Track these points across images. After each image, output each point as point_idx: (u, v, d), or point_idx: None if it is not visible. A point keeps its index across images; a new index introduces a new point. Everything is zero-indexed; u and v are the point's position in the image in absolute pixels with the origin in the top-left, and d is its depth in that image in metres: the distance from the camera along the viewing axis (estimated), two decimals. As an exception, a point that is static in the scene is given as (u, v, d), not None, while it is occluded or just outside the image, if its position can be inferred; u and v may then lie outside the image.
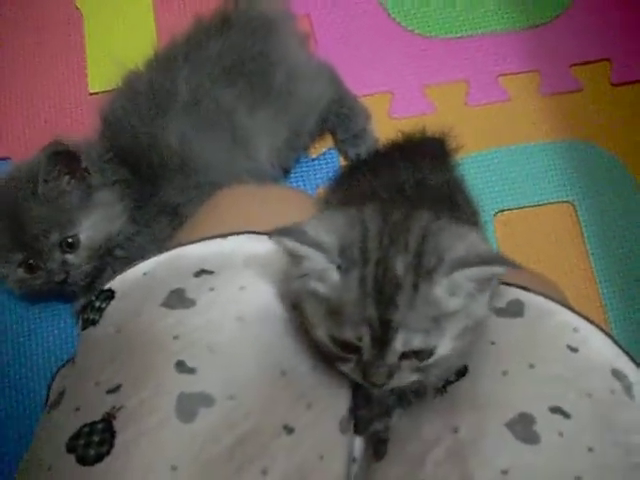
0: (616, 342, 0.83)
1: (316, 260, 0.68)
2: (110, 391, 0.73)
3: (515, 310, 0.85)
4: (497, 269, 0.68)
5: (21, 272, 1.24)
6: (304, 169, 1.50)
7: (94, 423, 0.70)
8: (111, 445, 0.68)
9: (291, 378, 0.78)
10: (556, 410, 0.74)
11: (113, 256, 1.28)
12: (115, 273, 0.88)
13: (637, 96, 1.53)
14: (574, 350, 0.81)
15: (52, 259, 1.21)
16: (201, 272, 0.84)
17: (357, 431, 0.83)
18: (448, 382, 0.80)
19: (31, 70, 1.62)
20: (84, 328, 0.85)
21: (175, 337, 0.76)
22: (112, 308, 0.84)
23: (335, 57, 1.50)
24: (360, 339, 0.68)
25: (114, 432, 0.69)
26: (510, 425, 0.73)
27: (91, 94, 1.58)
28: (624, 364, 0.82)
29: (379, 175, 1.00)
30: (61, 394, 0.78)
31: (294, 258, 0.71)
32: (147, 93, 1.29)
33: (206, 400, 0.71)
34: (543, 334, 0.83)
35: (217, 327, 0.79)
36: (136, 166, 1.28)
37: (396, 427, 0.81)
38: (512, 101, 1.53)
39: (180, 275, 0.84)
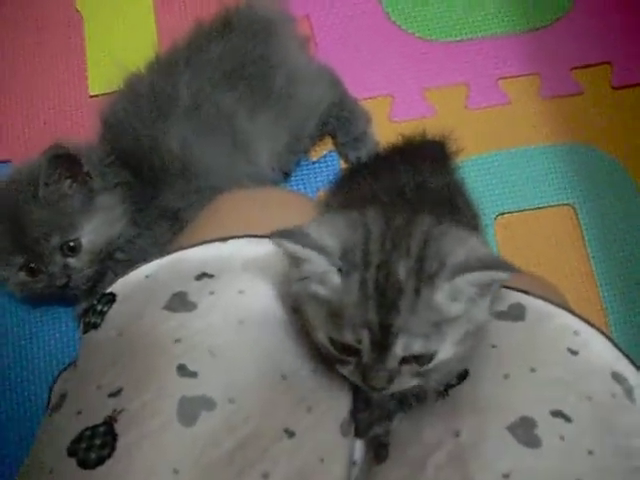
0: (616, 345, 0.83)
1: (317, 263, 0.68)
2: (112, 394, 0.72)
3: (516, 314, 0.85)
4: (499, 274, 0.68)
5: (22, 275, 1.24)
6: (304, 172, 1.51)
7: (96, 426, 0.70)
8: (113, 448, 0.68)
9: (292, 381, 0.78)
10: (557, 414, 0.74)
11: (114, 259, 1.28)
12: (116, 276, 0.88)
13: (638, 99, 1.53)
14: (574, 353, 0.81)
15: (53, 263, 1.21)
16: (202, 275, 0.84)
17: (358, 434, 0.83)
18: (449, 386, 0.79)
19: (31, 72, 1.62)
20: (86, 331, 0.85)
21: (177, 340, 0.76)
22: (114, 311, 0.84)
23: (335, 60, 1.50)
24: (360, 342, 0.68)
25: (116, 435, 0.69)
26: (511, 429, 0.73)
27: (91, 96, 1.58)
28: (624, 367, 0.82)
29: (379, 178, 1.00)
30: (62, 397, 0.78)
31: (295, 260, 0.71)
32: (148, 96, 1.29)
33: (207, 404, 0.71)
34: (544, 337, 0.83)
35: (217, 331, 0.79)
36: (137, 169, 1.29)
37: (397, 431, 0.81)
38: (512, 104, 1.53)
39: (182, 278, 0.84)
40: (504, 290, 0.86)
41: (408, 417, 0.81)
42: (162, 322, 0.79)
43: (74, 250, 1.22)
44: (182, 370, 0.73)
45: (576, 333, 0.83)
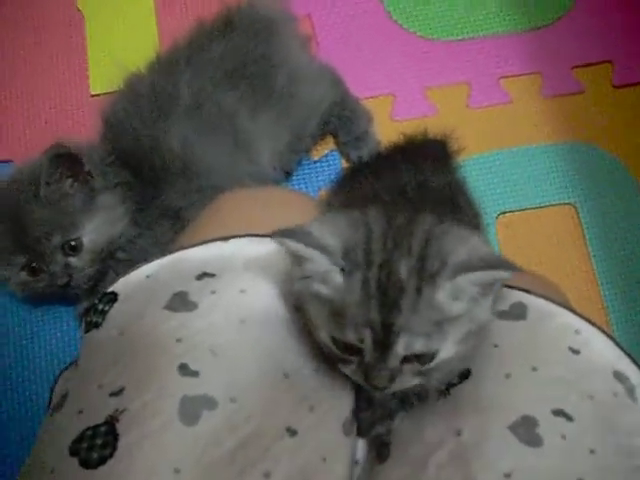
0: (618, 344, 0.83)
1: (319, 262, 0.68)
2: (113, 394, 0.72)
3: (518, 313, 0.85)
4: (501, 273, 0.68)
5: (24, 275, 1.24)
6: (306, 172, 1.51)
7: (97, 426, 0.70)
8: (114, 448, 0.68)
9: (294, 380, 0.78)
10: (559, 413, 0.74)
11: (115, 259, 1.28)
12: (118, 276, 0.88)
13: (639, 98, 1.53)
14: (576, 352, 0.81)
15: (55, 262, 1.21)
16: (203, 275, 0.84)
17: (360, 433, 0.83)
18: (451, 385, 0.79)
19: (32, 72, 1.62)
20: (87, 331, 0.85)
21: (178, 340, 0.76)
22: (115, 311, 0.84)
23: (337, 59, 1.51)
24: (362, 341, 0.68)
25: (117, 435, 0.69)
26: (513, 428, 0.73)
27: (92, 96, 1.58)
28: (626, 366, 0.82)
29: (381, 177, 1.00)
30: (64, 397, 0.78)
31: (297, 259, 0.71)
32: (149, 96, 1.29)
33: (209, 403, 0.71)
34: (545, 336, 0.83)
35: (219, 330, 0.79)
36: (138, 168, 1.29)
37: (399, 430, 0.81)
38: (514, 103, 1.54)
39: (182, 278, 0.84)
40: (505, 289, 0.86)
41: (410, 416, 0.81)
42: (163, 322, 0.79)
43: (75, 249, 1.22)
44: (183, 369, 0.73)
45: (577, 332, 0.83)
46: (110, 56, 1.60)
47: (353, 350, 0.70)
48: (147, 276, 0.85)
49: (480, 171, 1.47)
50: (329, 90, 1.43)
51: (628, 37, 1.56)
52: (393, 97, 1.54)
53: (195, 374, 0.73)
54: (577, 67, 1.55)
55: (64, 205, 1.21)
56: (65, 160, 1.20)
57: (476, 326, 0.70)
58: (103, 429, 0.69)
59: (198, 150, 1.28)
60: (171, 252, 0.87)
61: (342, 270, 0.68)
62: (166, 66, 1.32)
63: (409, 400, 0.80)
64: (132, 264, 0.88)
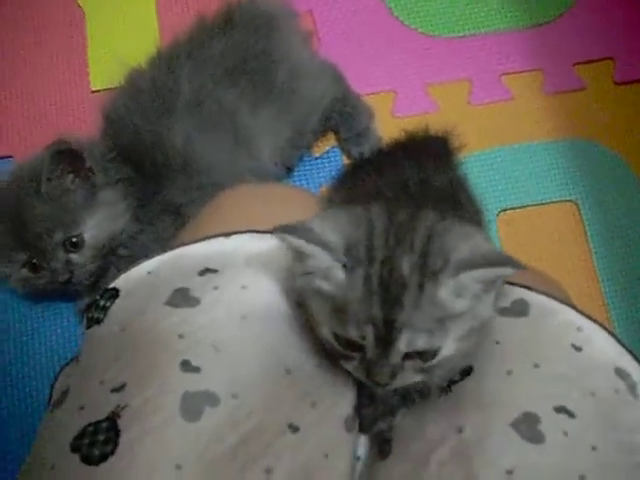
0: (619, 341, 0.83)
1: (321, 258, 0.68)
2: (115, 390, 0.72)
3: (519, 310, 0.85)
4: (504, 270, 0.68)
5: (25, 272, 1.24)
6: (307, 168, 1.50)
7: (98, 422, 0.70)
8: (116, 444, 0.68)
9: (296, 376, 0.78)
10: (560, 409, 0.74)
11: (117, 255, 1.28)
12: (119, 272, 0.88)
13: (640, 95, 1.53)
14: (578, 349, 0.81)
15: (56, 259, 1.21)
16: (205, 271, 0.84)
17: (361, 430, 0.83)
18: (452, 382, 0.80)
19: (32, 67, 1.62)
20: (89, 327, 0.85)
21: (180, 336, 0.76)
22: (117, 307, 0.84)
23: (338, 55, 1.50)
24: (364, 338, 0.68)
25: (119, 431, 0.69)
26: (515, 425, 0.73)
27: (93, 92, 1.58)
28: (627, 363, 0.82)
29: (382, 174, 1.00)
30: (65, 393, 0.78)
31: (298, 255, 0.71)
32: (150, 92, 1.29)
33: (211, 399, 0.71)
34: (547, 333, 0.83)
35: (221, 326, 0.79)
36: (139, 164, 1.28)
37: (400, 426, 0.81)
38: (515, 100, 1.53)
39: (184, 274, 0.84)
40: (507, 286, 0.86)
41: (411, 413, 0.81)
42: (164, 318, 0.79)
43: (77, 246, 1.22)
44: (185, 365, 0.73)
45: (579, 329, 0.83)
46: (110, 52, 1.60)
47: (355, 346, 0.70)
48: (148, 272, 0.86)
49: (481, 168, 1.47)
50: (330, 86, 1.42)
51: (630, 34, 1.56)
52: (394, 93, 1.54)
53: (197, 370, 0.73)
54: (578, 64, 1.55)
55: (65, 201, 1.20)
56: (66, 156, 1.19)
57: (478, 323, 0.70)
58: (105, 425, 0.69)
59: (199, 146, 1.27)
60: (172, 248, 0.88)
61: (344, 266, 0.68)
62: (167, 62, 1.31)
63: (411, 397, 0.80)
64: (133, 260, 0.88)
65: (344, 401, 0.81)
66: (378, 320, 0.67)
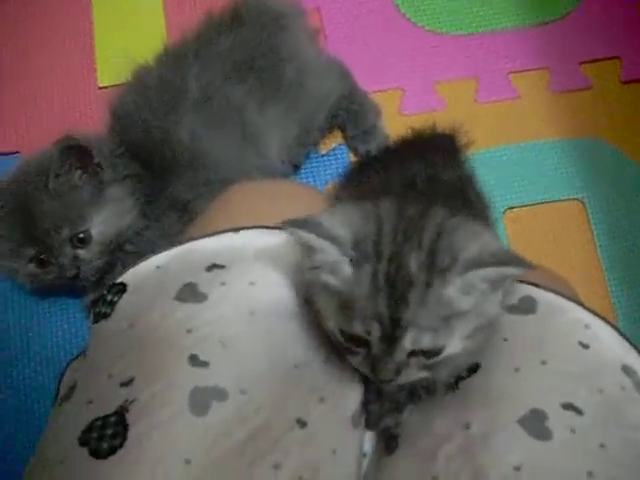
0: (627, 338, 0.83)
1: (329, 252, 0.68)
2: (124, 384, 0.73)
3: (527, 307, 0.85)
4: (512, 270, 0.68)
5: (32, 267, 1.24)
6: (314, 165, 1.50)
7: (107, 416, 0.70)
8: (124, 438, 0.68)
9: (304, 372, 0.79)
10: (568, 406, 0.74)
11: (124, 251, 1.28)
12: (125, 268, 0.88)
13: (646, 94, 1.53)
14: (585, 347, 0.81)
15: (63, 254, 1.21)
16: (213, 266, 0.84)
17: (368, 426, 0.83)
18: (460, 378, 0.80)
19: (39, 64, 1.62)
20: (96, 321, 0.85)
21: (188, 331, 0.76)
22: (124, 302, 0.84)
23: (345, 53, 1.51)
24: (369, 334, 0.68)
25: (127, 425, 0.69)
26: (522, 421, 0.73)
27: (100, 88, 1.58)
28: (634, 360, 0.82)
29: (389, 171, 1.00)
30: (72, 388, 0.78)
31: (306, 250, 0.71)
32: (157, 88, 1.29)
33: (219, 394, 0.72)
34: (555, 331, 0.83)
35: (228, 322, 0.79)
36: (147, 160, 1.29)
37: (407, 422, 0.81)
38: (522, 98, 1.53)
39: (192, 269, 0.84)
40: (515, 283, 0.85)
41: (418, 409, 0.82)
42: (173, 312, 0.79)
43: (84, 242, 1.22)
44: (194, 360, 0.73)
45: (587, 327, 0.83)
46: (118, 49, 1.60)
47: (360, 342, 0.70)
48: (157, 267, 0.86)
49: (488, 166, 1.47)
50: (337, 84, 1.43)
51: (636, 32, 1.56)
52: (402, 91, 1.54)
53: (205, 365, 0.73)
54: (585, 63, 1.55)
55: (73, 197, 1.20)
56: (75, 152, 1.19)
57: (485, 321, 0.70)
58: (113, 419, 0.69)
59: (206, 143, 1.28)
60: (181, 243, 0.88)
61: (351, 261, 0.68)
62: (174, 59, 1.32)
63: (418, 393, 0.81)
64: (140, 256, 0.88)
65: (351, 397, 0.81)
66: (384, 317, 0.67)
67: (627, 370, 0.80)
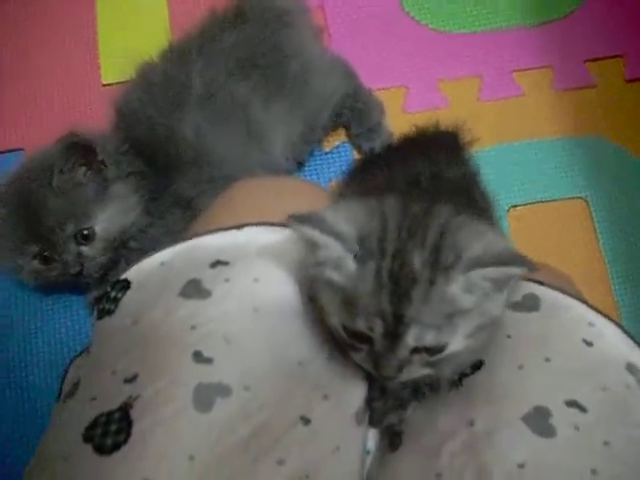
0: (631, 336, 0.83)
1: (333, 248, 0.68)
2: (127, 380, 0.73)
3: (531, 304, 0.85)
4: (515, 270, 0.67)
5: (36, 263, 1.24)
6: (318, 162, 1.51)
7: (111, 412, 0.70)
8: (128, 434, 0.68)
9: (307, 369, 0.78)
10: (572, 404, 0.74)
11: (128, 248, 1.28)
12: (130, 264, 0.88)
13: (650, 92, 1.53)
14: (589, 344, 0.81)
15: (67, 251, 1.21)
16: (216, 263, 0.84)
17: (372, 423, 0.83)
18: (463, 375, 0.80)
19: (43, 61, 1.63)
20: (99, 318, 0.85)
21: (192, 327, 0.76)
22: (128, 298, 0.84)
23: (349, 51, 1.51)
24: (372, 330, 0.68)
25: (131, 421, 0.69)
26: (526, 418, 0.73)
27: (104, 85, 1.59)
28: (638, 358, 0.82)
29: (393, 169, 1.00)
30: (76, 384, 0.78)
31: (311, 245, 0.71)
32: (161, 85, 1.29)
33: (223, 390, 0.72)
34: (559, 328, 0.83)
35: (232, 318, 0.79)
36: (151, 157, 1.29)
37: (411, 419, 0.81)
38: (525, 96, 1.53)
39: (196, 266, 0.84)
40: (519, 281, 0.85)
41: (422, 406, 0.82)
42: (177, 309, 0.79)
43: (88, 238, 1.22)
44: (198, 356, 0.73)
45: (591, 324, 0.83)
46: (121, 46, 1.60)
47: (363, 338, 0.70)
48: (161, 263, 0.85)
49: (491, 164, 1.46)
50: (341, 82, 1.43)
51: (640, 31, 1.56)
52: (405, 89, 1.54)
53: (209, 361, 0.73)
54: (589, 61, 1.55)
55: (77, 194, 1.21)
56: (79, 149, 1.20)
57: (487, 320, 0.70)
58: (117, 415, 0.70)
59: (211, 140, 1.28)
60: (185, 240, 0.87)
61: (355, 257, 0.68)
62: (178, 56, 1.32)
63: (421, 390, 0.81)
64: (143, 253, 0.88)
65: (355, 394, 0.81)
66: (387, 314, 0.67)
67: (631, 368, 0.80)
